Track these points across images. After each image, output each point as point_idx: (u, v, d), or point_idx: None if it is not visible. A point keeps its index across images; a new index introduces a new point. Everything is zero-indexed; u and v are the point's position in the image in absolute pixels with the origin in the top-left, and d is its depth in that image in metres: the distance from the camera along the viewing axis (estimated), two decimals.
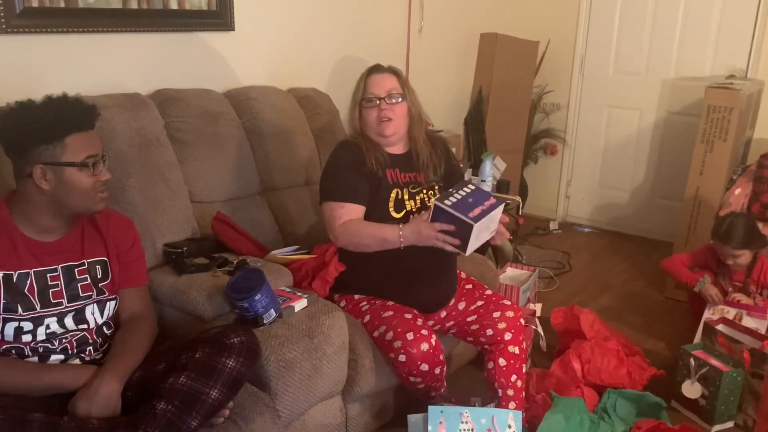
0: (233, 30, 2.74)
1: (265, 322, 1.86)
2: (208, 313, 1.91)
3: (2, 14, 2.04)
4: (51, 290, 1.61)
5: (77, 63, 2.29)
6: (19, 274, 1.58)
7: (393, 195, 2.15)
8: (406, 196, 2.17)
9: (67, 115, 1.57)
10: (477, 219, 1.81)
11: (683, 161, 3.79)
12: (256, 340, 1.70)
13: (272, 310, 1.87)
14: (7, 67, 2.11)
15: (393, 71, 2.21)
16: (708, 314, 2.76)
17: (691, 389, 2.43)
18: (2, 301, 1.55)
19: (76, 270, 1.66)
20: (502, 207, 1.91)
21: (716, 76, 3.99)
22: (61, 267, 1.64)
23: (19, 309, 1.57)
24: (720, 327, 2.60)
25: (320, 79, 3.20)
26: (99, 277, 1.71)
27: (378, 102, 2.14)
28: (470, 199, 1.87)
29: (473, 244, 1.87)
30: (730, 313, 2.71)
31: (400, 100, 2.16)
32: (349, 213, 2.10)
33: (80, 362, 1.66)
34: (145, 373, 1.65)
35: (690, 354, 2.44)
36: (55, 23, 2.18)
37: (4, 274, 1.56)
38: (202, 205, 2.43)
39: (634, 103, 4.45)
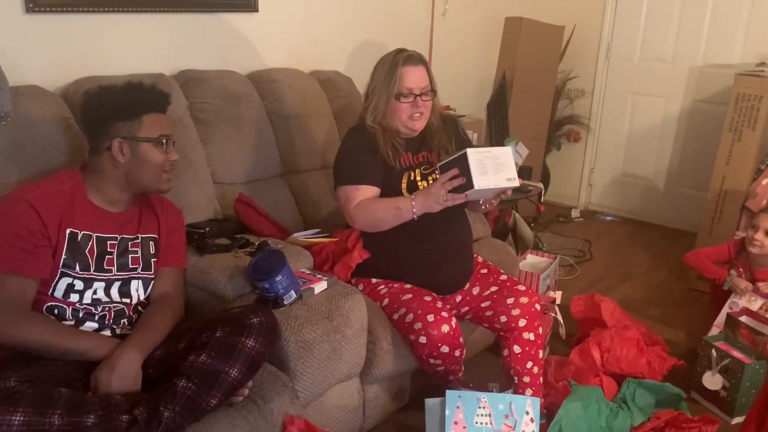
0: (257, 11, 2.74)
1: (285, 303, 1.87)
2: (229, 293, 1.92)
3: None
4: (107, 257, 1.72)
5: (101, 43, 2.30)
6: (83, 234, 1.68)
7: (405, 178, 2.16)
8: (418, 177, 2.17)
9: (145, 96, 1.74)
10: (473, 148, 1.86)
11: (709, 150, 3.73)
12: (276, 321, 1.71)
13: (292, 291, 1.88)
14: (32, 47, 2.13)
15: (423, 62, 2.16)
16: (734, 299, 2.71)
17: (712, 381, 2.41)
18: (63, 256, 1.64)
19: (129, 243, 1.78)
20: (509, 151, 1.92)
21: (746, 63, 3.90)
22: (120, 237, 1.75)
23: (77, 267, 1.67)
24: (743, 318, 2.57)
25: (343, 62, 3.19)
26: (152, 253, 1.82)
27: (414, 98, 2.11)
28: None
29: (481, 178, 1.84)
30: (757, 302, 2.67)
31: (432, 96, 2.16)
32: (363, 195, 2.11)
33: (111, 334, 1.71)
34: (166, 351, 1.68)
35: (712, 345, 2.41)
36: (80, 3, 2.19)
37: (70, 231, 1.66)
38: (224, 186, 2.44)
39: (660, 90, 4.37)
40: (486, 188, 1.86)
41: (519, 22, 4.16)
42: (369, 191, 2.12)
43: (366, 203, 2.10)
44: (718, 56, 4.10)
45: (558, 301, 2.83)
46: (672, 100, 4.34)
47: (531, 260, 3.14)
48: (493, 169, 1.88)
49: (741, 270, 2.88)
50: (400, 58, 2.12)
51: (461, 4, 3.86)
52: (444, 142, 2.24)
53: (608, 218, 4.75)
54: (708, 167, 3.54)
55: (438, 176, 2.14)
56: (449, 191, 1.90)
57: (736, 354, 2.36)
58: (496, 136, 4.16)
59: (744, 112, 3.28)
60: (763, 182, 3.27)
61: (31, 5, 2.07)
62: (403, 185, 2.15)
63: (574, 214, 4.74)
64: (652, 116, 4.46)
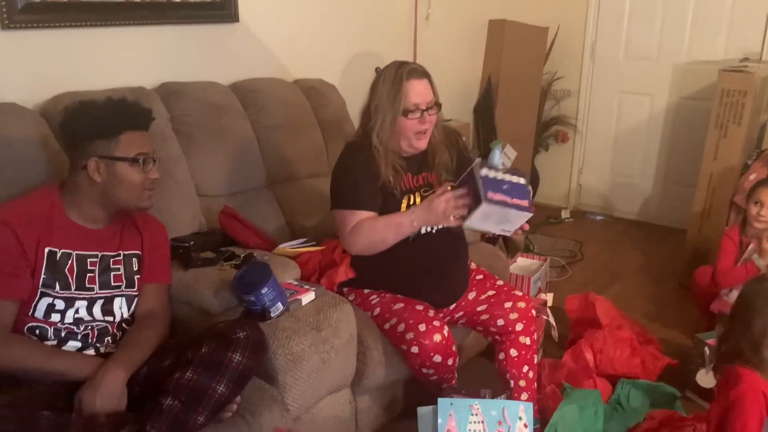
0: (238, 21, 2.72)
1: (272, 315, 1.85)
2: (215, 307, 1.90)
3: (4, 10, 2.03)
4: (88, 275, 1.69)
5: (80, 58, 2.28)
6: (62, 252, 1.65)
7: (405, 201, 2.10)
8: (418, 200, 2.12)
9: (124, 114, 1.69)
10: (491, 202, 1.75)
11: (696, 147, 3.73)
12: (262, 334, 1.69)
13: (279, 303, 1.86)
14: (10, 63, 2.10)
15: (427, 74, 2.06)
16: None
17: (706, 378, 2.40)
18: (42, 276, 1.61)
19: (111, 260, 1.74)
20: (526, 216, 1.83)
21: (729, 59, 3.92)
22: (101, 255, 1.72)
23: (57, 286, 1.63)
24: None
25: (326, 70, 3.17)
26: (135, 269, 1.79)
27: (421, 113, 2.02)
28: (505, 186, 1.80)
29: (476, 221, 1.82)
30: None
31: (437, 110, 2.07)
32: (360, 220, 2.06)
33: (95, 353, 1.68)
34: (152, 368, 1.65)
35: (704, 343, 2.41)
36: (58, 18, 2.17)
37: (49, 250, 1.62)
38: (208, 199, 2.42)
39: (646, 88, 4.38)
40: (475, 229, 1.81)
41: (503, 25, 4.15)
42: (366, 216, 2.06)
43: (364, 225, 2.03)
44: (701, 53, 4.12)
45: (549, 303, 2.82)
46: (658, 97, 4.35)
47: (522, 263, 3.13)
48: (496, 224, 1.85)
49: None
50: (404, 72, 2.01)
51: (444, 8, 3.85)
52: (445, 160, 2.17)
53: (598, 218, 4.74)
54: (696, 164, 3.54)
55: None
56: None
57: None
58: (484, 139, 4.15)
59: (729, 108, 3.29)
60: (751, 177, 3.27)
61: (7, 22, 2.05)
62: (403, 209, 2.10)
63: (564, 214, 4.73)
64: (639, 114, 4.47)
